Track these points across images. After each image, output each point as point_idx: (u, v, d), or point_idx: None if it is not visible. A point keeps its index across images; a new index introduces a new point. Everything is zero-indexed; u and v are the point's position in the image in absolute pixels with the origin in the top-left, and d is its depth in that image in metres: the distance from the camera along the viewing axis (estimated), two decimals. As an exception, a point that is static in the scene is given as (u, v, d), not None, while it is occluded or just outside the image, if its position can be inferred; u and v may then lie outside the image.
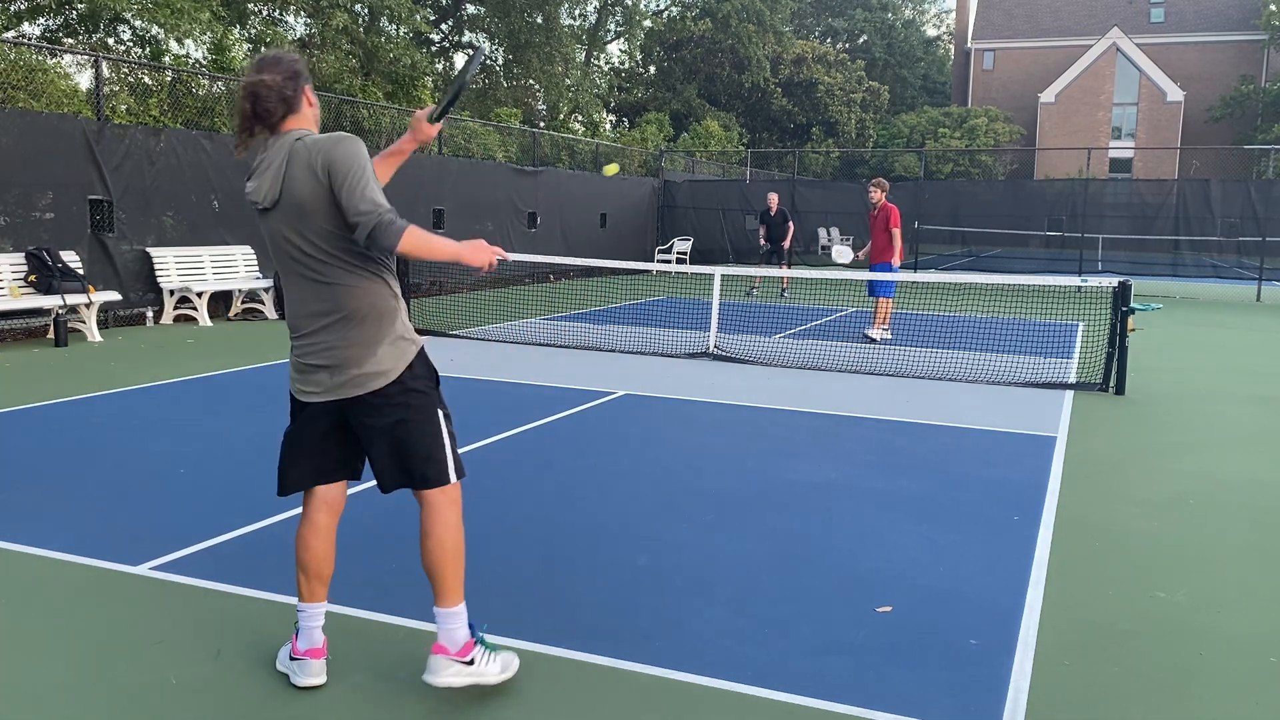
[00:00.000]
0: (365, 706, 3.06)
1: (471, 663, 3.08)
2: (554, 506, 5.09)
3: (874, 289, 11.98)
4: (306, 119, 3.01)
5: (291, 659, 3.17)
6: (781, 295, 18.19)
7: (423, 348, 3.15)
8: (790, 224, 18.02)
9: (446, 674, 3.05)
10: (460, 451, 6.12)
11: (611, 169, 5.14)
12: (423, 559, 3.08)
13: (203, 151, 12.82)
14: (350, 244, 2.93)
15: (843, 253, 13.18)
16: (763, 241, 18.10)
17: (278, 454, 3.22)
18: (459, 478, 3.12)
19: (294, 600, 3.81)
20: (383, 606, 3.79)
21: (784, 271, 13.83)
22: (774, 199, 18.13)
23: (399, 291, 3.11)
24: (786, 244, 17.97)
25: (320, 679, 3.13)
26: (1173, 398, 8.69)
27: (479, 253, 3.09)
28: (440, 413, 3.10)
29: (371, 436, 3.04)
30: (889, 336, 12.05)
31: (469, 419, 7.09)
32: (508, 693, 3.16)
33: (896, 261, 11.75)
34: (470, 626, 3.13)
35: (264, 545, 4.44)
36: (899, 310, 15.51)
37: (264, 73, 2.93)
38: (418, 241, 2.88)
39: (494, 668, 3.12)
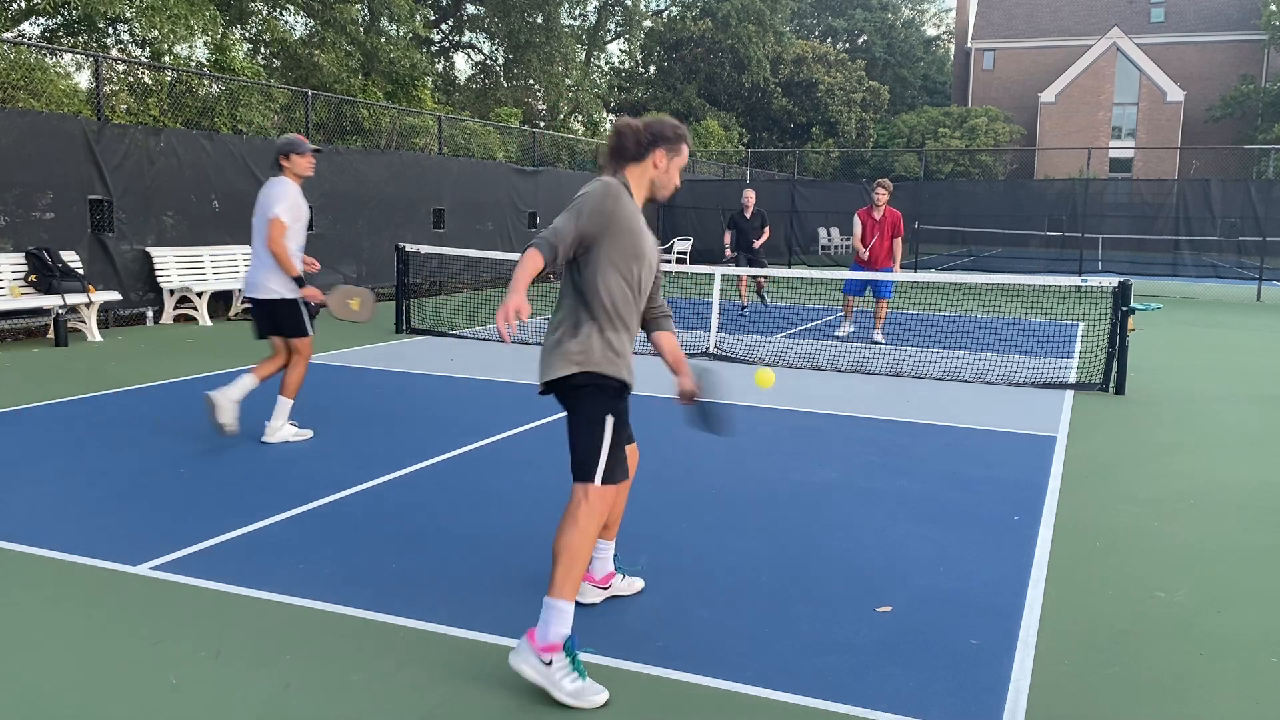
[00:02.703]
0: (365, 706, 3.06)
1: (549, 664, 3.11)
2: (554, 507, 5.09)
3: (881, 290, 11.98)
4: (641, 173, 3.47)
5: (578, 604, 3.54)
6: (762, 301, 15.51)
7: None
8: (767, 228, 14.62)
9: (524, 662, 3.13)
10: (461, 451, 6.06)
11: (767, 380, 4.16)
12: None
13: (203, 151, 12.82)
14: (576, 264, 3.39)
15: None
16: (730, 253, 14.44)
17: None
18: (604, 482, 3.29)
19: (294, 600, 3.83)
20: (383, 606, 3.79)
21: (762, 270, 12.22)
22: (751, 196, 14.69)
23: (597, 314, 3.35)
24: (758, 244, 14.49)
25: (596, 598, 3.75)
26: (1173, 398, 8.69)
27: (504, 308, 3.13)
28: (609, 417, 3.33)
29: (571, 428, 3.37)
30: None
31: (470, 419, 7.10)
32: (508, 692, 3.16)
33: (897, 267, 11.78)
34: (571, 637, 3.15)
35: (264, 545, 4.44)
36: (900, 310, 15.51)
37: (639, 120, 3.48)
38: (519, 267, 3.20)
39: (567, 684, 3.10)
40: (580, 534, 3.20)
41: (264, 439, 6.27)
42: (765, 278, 14.86)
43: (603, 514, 3.28)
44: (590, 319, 3.34)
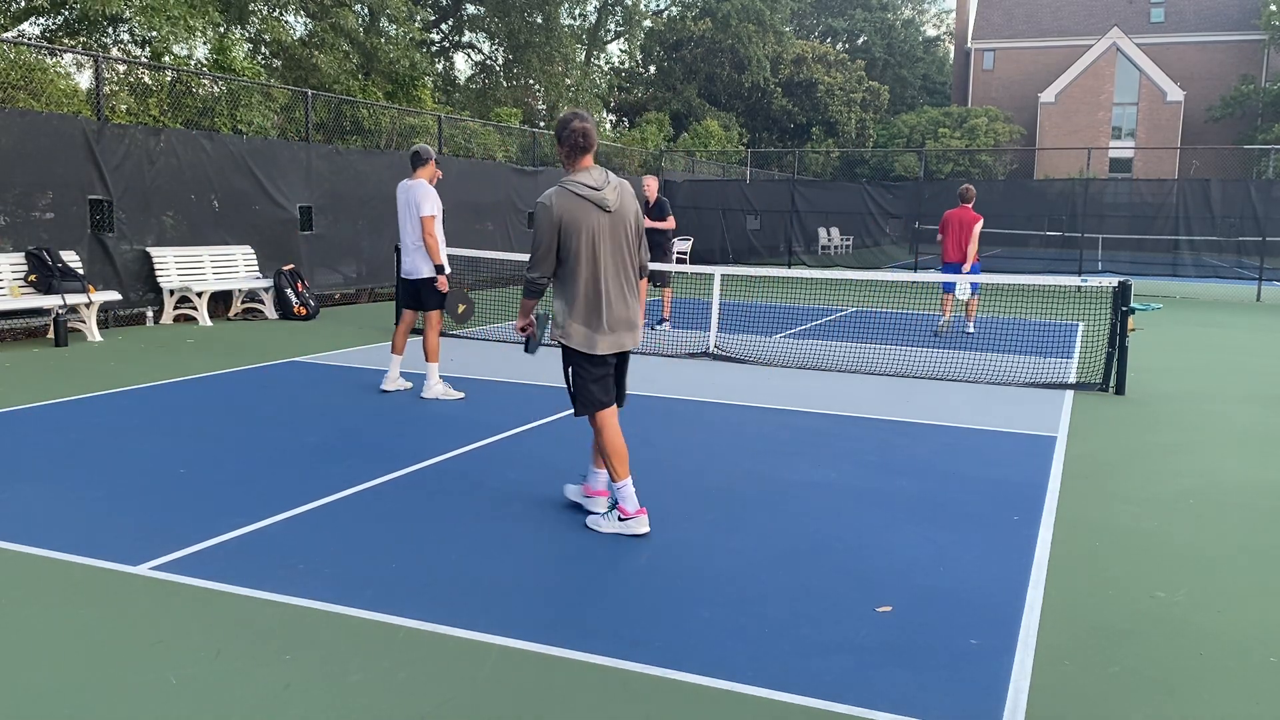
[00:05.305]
0: (365, 706, 3.06)
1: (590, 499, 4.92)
2: (554, 506, 5.09)
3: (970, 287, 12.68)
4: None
5: (620, 520, 4.67)
6: (660, 324, 12.84)
7: None
8: (670, 219, 12.35)
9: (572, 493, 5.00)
10: (461, 451, 6.14)
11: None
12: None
13: (203, 151, 12.82)
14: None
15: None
16: None
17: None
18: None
19: (294, 600, 3.83)
20: (383, 606, 3.79)
21: (670, 266, 11.64)
22: (652, 185, 12.45)
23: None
24: (671, 247, 12.81)
25: (647, 528, 4.67)
26: (1173, 398, 8.69)
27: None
28: None
29: (624, 371, 4.85)
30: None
31: (470, 419, 7.09)
32: (507, 693, 3.16)
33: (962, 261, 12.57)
34: (615, 503, 4.74)
35: (264, 545, 4.44)
36: (900, 310, 15.52)
37: (586, 121, 4.51)
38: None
39: (607, 524, 4.71)
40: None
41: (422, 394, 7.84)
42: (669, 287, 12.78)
43: None
44: None
